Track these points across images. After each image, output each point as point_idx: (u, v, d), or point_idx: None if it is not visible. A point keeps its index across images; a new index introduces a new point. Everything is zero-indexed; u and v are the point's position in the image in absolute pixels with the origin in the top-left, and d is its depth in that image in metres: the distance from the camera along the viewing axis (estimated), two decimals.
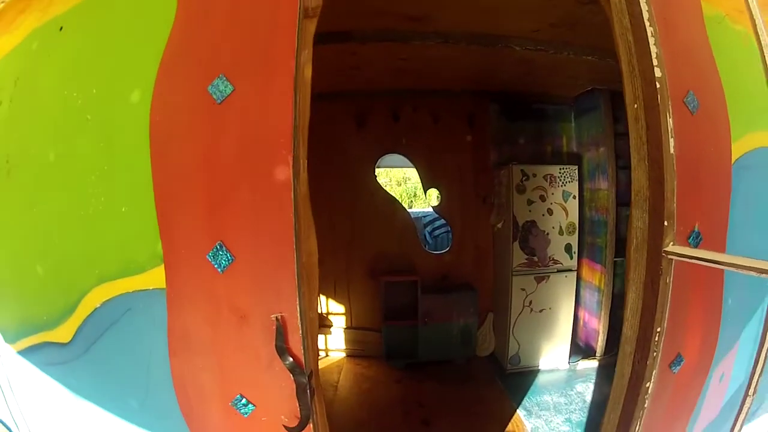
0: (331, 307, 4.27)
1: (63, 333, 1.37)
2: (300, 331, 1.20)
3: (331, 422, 1.45)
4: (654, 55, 1.26)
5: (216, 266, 1.25)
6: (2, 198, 1.48)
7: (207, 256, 1.25)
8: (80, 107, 1.32)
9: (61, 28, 1.43)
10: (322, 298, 4.26)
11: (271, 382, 1.23)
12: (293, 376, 1.20)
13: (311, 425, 1.24)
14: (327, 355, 4.27)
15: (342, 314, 4.28)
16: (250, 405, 1.28)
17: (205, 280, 1.26)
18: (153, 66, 1.24)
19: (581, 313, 4.06)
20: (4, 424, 1.56)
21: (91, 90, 1.33)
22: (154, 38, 1.25)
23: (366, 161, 4.16)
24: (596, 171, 3.91)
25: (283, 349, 1.20)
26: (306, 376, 1.20)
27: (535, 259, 3.78)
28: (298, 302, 1.19)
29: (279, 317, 1.21)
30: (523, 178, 3.79)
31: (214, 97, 1.22)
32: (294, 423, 1.22)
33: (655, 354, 1.31)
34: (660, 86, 1.25)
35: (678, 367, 1.41)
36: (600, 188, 3.86)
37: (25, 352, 1.46)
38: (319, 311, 4.27)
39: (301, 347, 1.20)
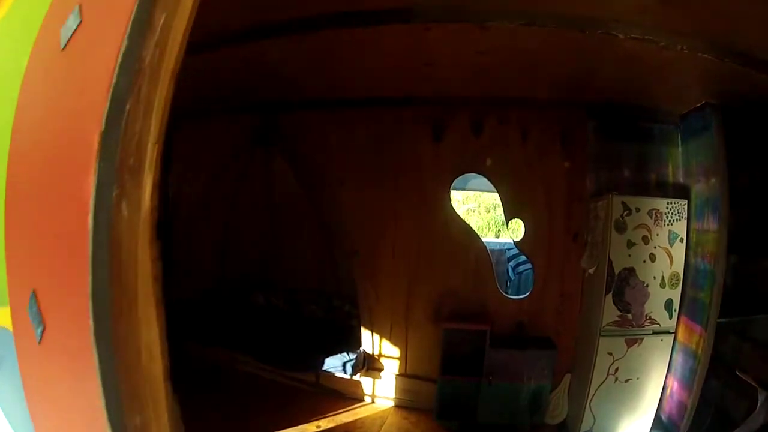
0: (385, 349, 3.65)
1: None
2: None
3: None
4: None
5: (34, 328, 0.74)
6: None
7: (27, 310, 0.75)
8: None
9: None
10: (376, 337, 3.66)
11: None
12: None
13: None
14: (373, 402, 3.65)
15: (396, 358, 3.63)
16: None
17: (28, 345, 0.77)
18: None
19: (669, 381, 3.13)
20: None
21: None
22: None
23: (441, 182, 3.50)
24: (705, 208, 3.03)
25: None
26: None
27: (629, 316, 2.99)
28: None
29: None
30: (625, 213, 2.98)
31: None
32: None
33: None
34: None
35: None
36: (709, 229, 2.96)
37: None
38: (371, 352, 3.68)
39: None
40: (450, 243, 3.47)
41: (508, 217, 3.47)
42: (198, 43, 2.52)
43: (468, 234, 3.51)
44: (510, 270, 5.00)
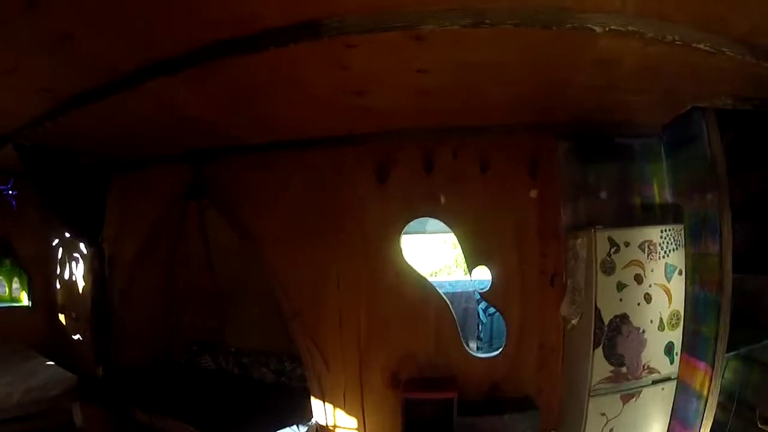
0: (339, 420, 3.20)
1: None
2: None
3: None
4: None
5: None
6: None
7: None
8: None
9: None
10: (329, 407, 3.21)
11: None
12: None
13: None
14: None
15: (353, 429, 3.19)
16: None
17: None
18: None
19: (672, 425, 2.71)
20: None
21: None
22: None
23: (390, 229, 2.99)
24: (701, 228, 2.57)
25: None
26: None
27: (623, 369, 2.57)
28: None
29: None
30: (612, 250, 2.53)
31: None
32: None
33: None
34: None
35: None
36: (708, 252, 2.50)
37: None
38: (324, 423, 3.24)
39: None
40: (404, 300, 2.99)
41: (471, 265, 2.98)
42: (94, 89, 2.10)
43: (424, 288, 3.00)
44: (481, 312, 4.52)
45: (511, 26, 1.54)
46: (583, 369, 2.59)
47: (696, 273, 2.63)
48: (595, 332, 2.51)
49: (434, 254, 7.62)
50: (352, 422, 3.18)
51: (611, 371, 2.54)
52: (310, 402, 3.25)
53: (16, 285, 4.86)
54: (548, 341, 2.92)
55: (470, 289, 4.65)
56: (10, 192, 4.50)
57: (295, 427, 3.17)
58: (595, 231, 2.52)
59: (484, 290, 3.02)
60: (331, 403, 3.20)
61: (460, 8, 1.50)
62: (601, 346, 2.51)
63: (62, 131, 2.92)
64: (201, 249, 4.39)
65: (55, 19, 1.54)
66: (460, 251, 3.09)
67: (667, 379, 2.62)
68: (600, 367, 2.54)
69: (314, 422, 3.23)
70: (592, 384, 2.53)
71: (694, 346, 2.63)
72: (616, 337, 2.53)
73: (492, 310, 4.30)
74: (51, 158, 3.59)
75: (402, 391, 2.93)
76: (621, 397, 2.58)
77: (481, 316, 4.51)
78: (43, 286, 4.88)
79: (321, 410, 3.22)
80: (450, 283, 5.49)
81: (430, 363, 3.02)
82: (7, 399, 3.35)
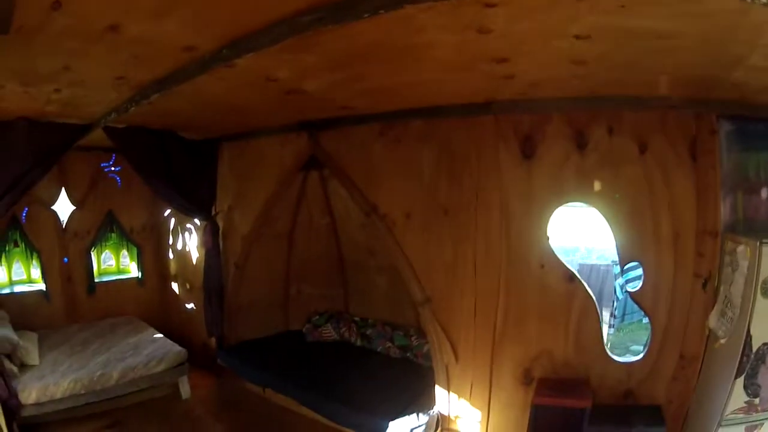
0: (463, 413, 3.04)
1: None
2: None
3: None
4: None
5: None
6: None
7: None
8: None
9: None
10: (453, 397, 3.05)
11: None
12: None
13: None
14: None
15: (477, 423, 3.02)
16: None
17: None
18: None
19: None
20: None
21: None
22: None
23: (535, 212, 2.70)
24: None
25: None
26: None
27: (756, 401, 2.20)
28: None
29: None
30: None
31: None
32: None
33: None
34: None
35: None
36: None
37: None
38: (447, 413, 3.09)
39: None
40: (547, 293, 2.71)
41: (625, 260, 2.64)
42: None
43: (570, 281, 2.71)
44: (617, 288, 4.17)
45: None
46: (719, 395, 2.25)
47: None
48: (741, 359, 2.14)
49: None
50: (476, 416, 3.00)
51: (746, 402, 2.19)
52: (434, 385, 3.11)
53: (125, 258, 5.06)
54: (689, 351, 2.53)
55: (609, 262, 4.33)
56: (113, 168, 4.68)
57: (414, 416, 3.06)
58: (761, 244, 2.07)
59: (635, 292, 2.69)
60: (456, 393, 3.03)
61: None
62: (743, 375, 2.15)
63: (155, 113, 2.88)
64: (325, 219, 4.34)
65: None
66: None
67: None
68: (737, 396, 2.19)
69: (437, 412, 3.10)
70: (726, 413, 2.20)
71: None
72: (759, 366, 2.15)
73: (630, 286, 3.96)
74: (146, 137, 3.62)
75: (534, 392, 2.69)
76: (745, 429, 2.24)
77: (617, 292, 4.18)
78: (154, 257, 5.06)
79: (445, 399, 3.07)
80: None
81: (566, 362, 2.74)
82: (106, 379, 3.41)
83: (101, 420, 3.41)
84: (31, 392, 3.09)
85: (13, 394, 3.01)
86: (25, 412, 3.07)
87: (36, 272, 4.40)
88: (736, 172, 2.44)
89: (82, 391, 3.28)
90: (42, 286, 4.36)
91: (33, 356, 3.42)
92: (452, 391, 3.04)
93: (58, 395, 3.17)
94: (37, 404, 3.11)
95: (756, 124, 2.43)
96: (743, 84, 2.09)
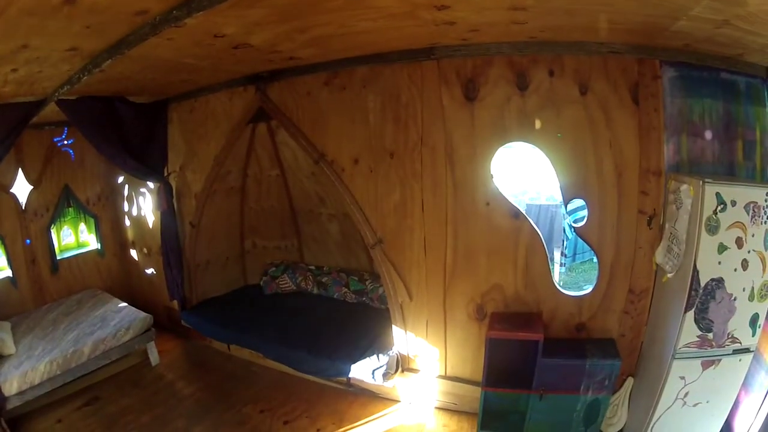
0: (421, 349, 3.19)
1: None
2: None
3: None
4: None
5: None
6: None
7: None
8: None
9: None
10: (410, 336, 3.18)
11: None
12: None
13: None
14: (410, 404, 3.28)
15: (435, 360, 3.17)
16: None
17: None
18: None
19: (741, 397, 2.53)
20: None
21: None
22: None
23: (479, 153, 2.78)
24: None
25: None
26: None
27: (710, 336, 2.36)
28: None
29: None
30: (719, 208, 2.21)
31: None
32: None
33: None
34: None
35: None
36: None
37: None
38: (405, 353, 3.23)
39: None
40: (494, 229, 2.82)
41: (568, 197, 2.75)
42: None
43: (515, 218, 2.82)
44: (567, 227, 4.33)
45: None
46: (671, 328, 2.42)
47: None
48: (690, 293, 2.29)
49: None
50: (433, 353, 3.16)
51: (698, 336, 2.35)
52: (391, 326, 3.24)
53: (83, 233, 4.93)
54: (638, 285, 2.71)
55: (558, 203, 4.47)
56: (66, 142, 4.50)
57: (375, 357, 3.18)
58: (704, 183, 2.20)
59: (580, 227, 2.82)
60: (412, 332, 3.17)
61: None
62: (693, 309, 2.31)
63: (106, 80, 2.80)
64: (275, 171, 4.33)
65: None
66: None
67: (746, 350, 2.40)
68: (688, 330, 2.34)
69: (396, 352, 3.23)
70: (678, 346, 2.36)
71: None
72: (709, 301, 2.30)
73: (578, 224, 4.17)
74: (97, 105, 3.50)
75: (488, 326, 2.84)
76: (702, 363, 2.41)
77: (566, 231, 4.35)
78: (112, 226, 4.96)
79: (403, 339, 3.21)
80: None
81: (517, 297, 2.90)
82: (79, 355, 3.41)
83: (79, 399, 3.43)
84: (12, 382, 3.04)
85: None
86: (10, 404, 3.04)
87: (2, 260, 4.25)
88: (681, 116, 2.55)
89: (59, 372, 3.26)
90: (9, 273, 4.23)
91: (8, 345, 3.34)
92: (409, 330, 3.18)
93: (37, 380, 3.14)
94: (19, 393, 3.07)
95: (701, 72, 2.53)
96: (687, 33, 2.16)
